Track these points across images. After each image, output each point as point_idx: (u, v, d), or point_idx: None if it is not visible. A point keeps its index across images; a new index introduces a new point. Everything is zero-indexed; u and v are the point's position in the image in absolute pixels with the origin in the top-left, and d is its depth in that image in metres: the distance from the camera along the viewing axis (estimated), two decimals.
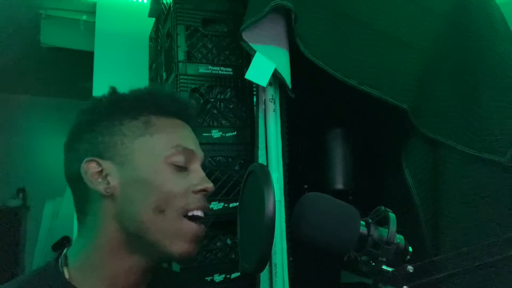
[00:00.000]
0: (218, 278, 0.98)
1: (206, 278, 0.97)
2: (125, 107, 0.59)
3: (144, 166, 0.56)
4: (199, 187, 0.59)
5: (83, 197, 0.57)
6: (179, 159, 0.58)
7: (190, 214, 0.57)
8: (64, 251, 0.59)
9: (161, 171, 0.56)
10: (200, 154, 0.62)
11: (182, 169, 0.58)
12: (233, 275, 1.00)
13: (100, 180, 0.56)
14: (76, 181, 0.57)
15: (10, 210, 3.65)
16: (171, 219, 0.55)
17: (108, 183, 0.55)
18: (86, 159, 0.56)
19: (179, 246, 0.56)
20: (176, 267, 1.00)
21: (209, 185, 0.59)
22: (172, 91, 0.66)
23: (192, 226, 0.57)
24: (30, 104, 3.82)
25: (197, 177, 0.59)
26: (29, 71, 3.23)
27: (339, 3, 0.94)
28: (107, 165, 0.56)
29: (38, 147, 3.69)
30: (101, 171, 0.56)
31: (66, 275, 0.55)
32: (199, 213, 0.58)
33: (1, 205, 3.62)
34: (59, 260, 0.58)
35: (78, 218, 0.59)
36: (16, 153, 3.76)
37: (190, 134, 0.63)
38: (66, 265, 0.57)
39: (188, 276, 0.94)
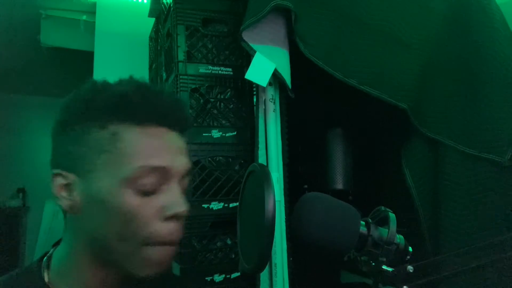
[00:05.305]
0: (218, 278, 0.98)
1: (206, 278, 0.97)
2: (97, 111, 0.51)
3: (105, 187, 0.49)
4: (168, 213, 0.50)
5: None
6: (145, 182, 0.49)
7: (155, 244, 0.51)
8: (50, 251, 0.58)
9: (123, 195, 0.49)
10: (178, 168, 0.52)
11: (149, 192, 0.50)
12: (233, 275, 0.99)
13: (65, 194, 0.52)
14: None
15: (10, 210, 3.65)
16: (134, 247, 0.50)
17: (73, 199, 0.51)
18: (54, 171, 0.52)
19: (144, 271, 0.51)
20: (176, 268, 1.00)
21: (180, 209, 0.51)
22: (155, 90, 0.55)
23: (158, 254, 0.51)
24: (30, 104, 3.83)
25: (168, 200, 0.51)
26: (29, 71, 3.23)
27: (339, 3, 0.94)
28: (72, 178, 0.51)
29: (38, 147, 3.68)
30: (68, 184, 0.51)
31: (46, 278, 0.55)
32: (166, 243, 0.51)
33: (1, 205, 3.62)
34: (43, 260, 0.57)
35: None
36: (16, 153, 3.76)
37: (168, 145, 0.53)
38: (48, 267, 0.56)
39: (188, 277, 0.94)
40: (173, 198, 0.51)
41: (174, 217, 0.51)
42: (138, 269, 0.51)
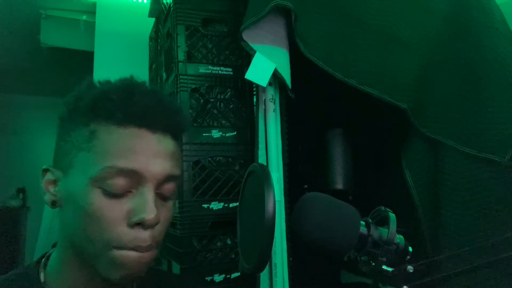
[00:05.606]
0: (218, 278, 0.98)
1: (206, 278, 0.97)
2: (82, 108, 0.51)
3: (77, 185, 0.49)
4: (133, 219, 0.48)
5: None
6: (112, 183, 0.48)
7: (120, 248, 0.49)
8: (49, 252, 0.59)
9: (90, 195, 0.48)
10: (153, 172, 0.49)
11: (116, 194, 0.48)
12: (233, 275, 0.99)
13: (51, 189, 0.52)
14: None
15: (10, 210, 3.66)
16: (100, 249, 0.48)
17: (56, 195, 0.52)
18: (43, 166, 0.53)
19: (112, 274, 0.49)
20: (176, 267, 1.00)
21: (147, 217, 0.48)
22: (142, 91, 0.52)
23: (124, 258, 0.49)
24: (30, 104, 3.83)
25: (136, 205, 0.48)
26: (29, 71, 3.24)
27: (339, 3, 0.94)
28: (58, 175, 0.52)
29: (38, 147, 3.69)
30: (55, 180, 0.52)
31: (42, 279, 0.55)
32: (131, 249, 0.49)
33: (1, 205, 3.62)
34: (41, 260, 0.58)
35: None
36: (16, 153, 3.76)
37: (144, 147, 0.50)
38: (45, 267, 0.56)
39: (188, 277, 0.94)
40: (142, 204, 0.48)
41: (140, 224, 0.48)
42: (106, 272, 0.49)
